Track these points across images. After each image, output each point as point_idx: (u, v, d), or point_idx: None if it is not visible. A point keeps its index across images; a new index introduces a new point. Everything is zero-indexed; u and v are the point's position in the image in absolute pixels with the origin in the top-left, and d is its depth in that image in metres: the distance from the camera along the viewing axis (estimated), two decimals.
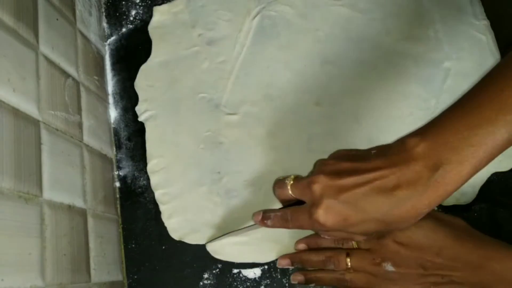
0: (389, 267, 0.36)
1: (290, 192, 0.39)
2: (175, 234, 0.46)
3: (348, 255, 0.38)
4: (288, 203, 0.41)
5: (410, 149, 0.32)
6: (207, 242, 0.45)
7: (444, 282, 0.35)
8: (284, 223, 0.39)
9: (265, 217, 0.40)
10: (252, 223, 0.45)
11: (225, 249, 0.45)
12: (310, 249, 0.42)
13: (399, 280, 0.37)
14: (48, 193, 0.36)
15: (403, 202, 0.32)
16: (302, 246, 0.42)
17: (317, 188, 0.35)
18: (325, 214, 0.34)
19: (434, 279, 0.36)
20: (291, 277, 0.43)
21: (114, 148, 0.51)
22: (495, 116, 0.30)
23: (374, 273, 0.37)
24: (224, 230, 0.45)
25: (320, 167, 0.37)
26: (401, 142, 0.34)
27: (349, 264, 0.38)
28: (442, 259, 0.35)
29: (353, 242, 0.39)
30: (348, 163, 0.35)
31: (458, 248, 0.35)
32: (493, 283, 0.34)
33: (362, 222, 0.33)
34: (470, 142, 0.30)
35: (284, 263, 0.42)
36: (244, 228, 0.45)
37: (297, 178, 0.39)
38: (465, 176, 0.31)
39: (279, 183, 0.40)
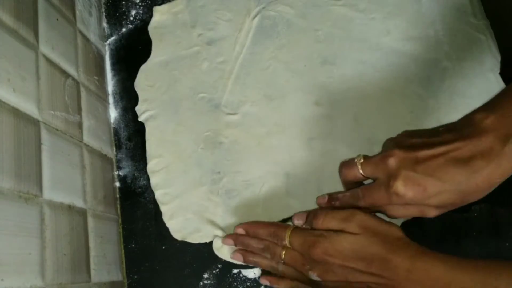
0: (314, 276, 0.37)
1: (360, 171, 0.38)
2: (177, 234, 0.46)
3: (283, 249, 0.40)
4: (353, 186, 0.40)
5: (479, 123, 0.33)
6: (214, 239, 0.45)
7: None
8: (354, 202, 0.38)
9: (332, 199, 0.40)
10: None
11: (226, 250, 0.45)
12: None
13: (324, 286, 0.38)
14: (48, 193, 0.36)
15: (479, 172, 0.32)
16: (240, 230, 0.43)
17: (393, 161, 0.35)
18: (404, 186, 0.34)
19: (359, 286, 0.36)
20: (230, 254, 0.44)
21: (114, 148, 0.51)
22: None
23: (302, 271, 0.39)
24: (225, 230, 0.45)
25: (393, 143, 0.37)
26: (468, 118, 0.34)
27: (283, 257, 0.39)
28: (371, 269, 0.35)
29: (287, 242, 0.39)
30: (419, 138, 0.36)
31: (388, 258, 0.35)
32: None
33: (439, 193, 0.33)
34: None
35: (228, 242, 0.43)
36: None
37: (367, 156, 0.38)
38: None
39: (347, 163, 0.40)
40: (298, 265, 0.39)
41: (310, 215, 0.40)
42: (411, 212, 0.36)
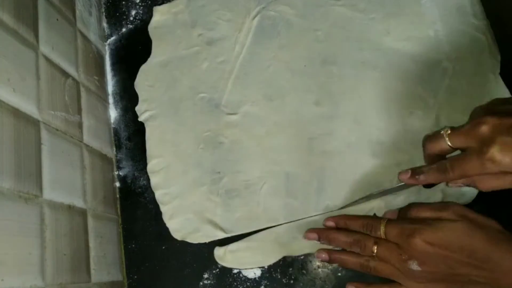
0: (414, 265, 0.36)
1: (448, 142, 0.36)
2: (177, 234, 0.46)
3: (376, 243, 0.38)
4: (439, 159, 0.38)
5: None
6: (215, 249, 0.46)
7: (470, 282, 0.35)
8: (441, 175, 0.36)
9: (415, 173, 0.38)
10: (255, 224, 0.45)
11: (228, 257, 0.45)
12: (338, 229, 0.41)
13: (422, 278, 0.36)
14: (48, 193, 0.36)
15: None
16: (331, 223, 0.41)
17: (486, 128, 0.33)
18: (501, 151, 0.32)
19: (460, 279, 0.35)
20: (315, 253, 0.42)
21: (114, 148, 0.51)
22: None
23: (398, 267, 0.37)
24: (225, 230, 0.45)
25: (483, 111, 0.35)
26: None
27: (375, 251, 0.37)
28: (472, 260, 0.34)
29: (381, 232, 0.38)
30: (510, 105, 0.34)
31: (490, 250, 0.34)
32: None
33: None
34: None
35: (311, 237, 0.42)
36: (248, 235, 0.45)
37: (454, 127, 0.36)
38: None
39: (432, 136, 0.37)
40: (393, 256, 0.37)
41: (403, 210, 0.38)
42: (506, 182, 0.34)
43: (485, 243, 0.34)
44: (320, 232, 0.41)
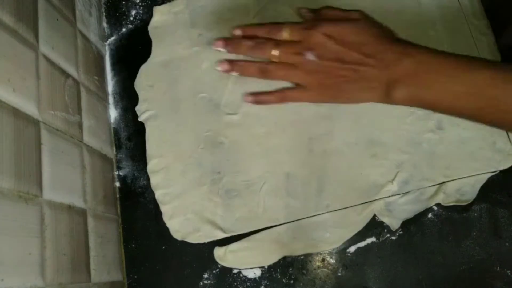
0: (310, 55, 0.39)
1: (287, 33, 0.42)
2: (177, 234, 0.46)
3: (277, 45, 0.41)
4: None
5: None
6: (214, 249, 0.46)
7: (356, 78, 0.39)
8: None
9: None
10: (255, 224, 0.45)
11: (228, 257, 0.45)
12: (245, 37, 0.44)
13: (315, 73, 0.40)
14: (48, 193, 0.36)
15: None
16: (238, 32, 0.43)
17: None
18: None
19: (347, 73, 0.39)
20: (218, 65, 0.44)
21: (114, 148, 0.51)
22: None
23: (295, 63, 0.40)
24: (225, 230, 0.45)
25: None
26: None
27: (275, 52, 0.41)
28: (360, 54, 0.38)
29: (286, 33, 0.41)
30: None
31: (378, 45, 0.38)
32: (401, 77, 0.38)
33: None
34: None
35: (218, 44, 0.44)
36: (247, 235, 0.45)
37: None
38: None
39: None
40: (291, 53, 0.40)
41: (316, 12, 0.44)
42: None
43: (374, 39, 0.39)
44: (227, 40, 0.44)
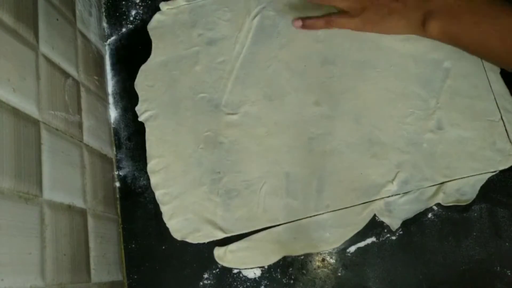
0: None
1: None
2: (177, 234, 0.46)
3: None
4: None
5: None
6: (214, 249, 0.46)
7: (399, 8, 0.44)
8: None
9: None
10: (255, 224, 0.45)
11: (228, 256, 0.45)
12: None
13: (363, 1, 0.45)
14: (48, 193, 0.36)
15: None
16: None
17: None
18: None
19: (391, 3, 0.44)
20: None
21: (114, 148, 0.51)
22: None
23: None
24: (225, 230, 0.45)
25: None
26: None
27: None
28: None
29: None
30: None
31: None
32: (437, 9, 0.42)
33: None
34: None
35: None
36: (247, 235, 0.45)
37: None
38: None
39: None
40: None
41: None
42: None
43: None
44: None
